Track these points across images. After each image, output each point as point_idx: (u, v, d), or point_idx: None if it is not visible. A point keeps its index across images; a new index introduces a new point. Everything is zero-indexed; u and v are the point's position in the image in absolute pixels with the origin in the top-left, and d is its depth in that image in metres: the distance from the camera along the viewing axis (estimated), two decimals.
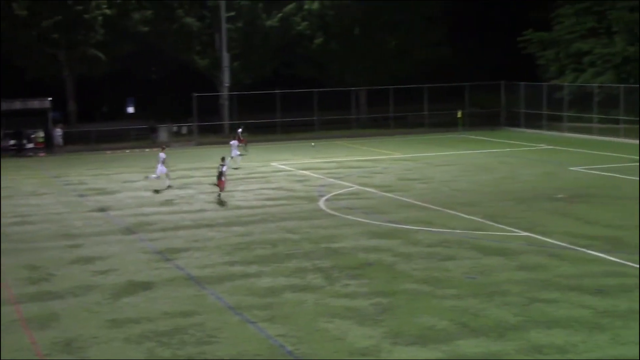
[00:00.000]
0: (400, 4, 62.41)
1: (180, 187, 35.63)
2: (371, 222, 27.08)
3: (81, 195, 34.57)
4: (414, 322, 16.63)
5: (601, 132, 54.02)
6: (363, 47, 63.12)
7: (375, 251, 22.89)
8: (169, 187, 35.28)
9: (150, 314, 17.57)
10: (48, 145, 53.07)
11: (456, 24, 66.73)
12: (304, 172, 40.24)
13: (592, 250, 22.43)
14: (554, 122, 58.55)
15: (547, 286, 18.94)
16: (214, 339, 15.94)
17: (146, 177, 36.96)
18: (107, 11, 57.12)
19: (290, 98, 59.37)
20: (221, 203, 31.61)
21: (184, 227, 27.03)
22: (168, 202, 32.21)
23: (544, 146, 49.65)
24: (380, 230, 25.70)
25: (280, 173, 40.23)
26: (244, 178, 38.20)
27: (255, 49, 61.77)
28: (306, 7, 62.53)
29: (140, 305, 18.25)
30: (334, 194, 33.32)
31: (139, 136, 57.40)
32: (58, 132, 53.68)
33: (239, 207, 30.70)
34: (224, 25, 58.22)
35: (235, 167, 41.12)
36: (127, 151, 52.93)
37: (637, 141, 49.07)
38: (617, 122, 53.91)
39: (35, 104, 53.95)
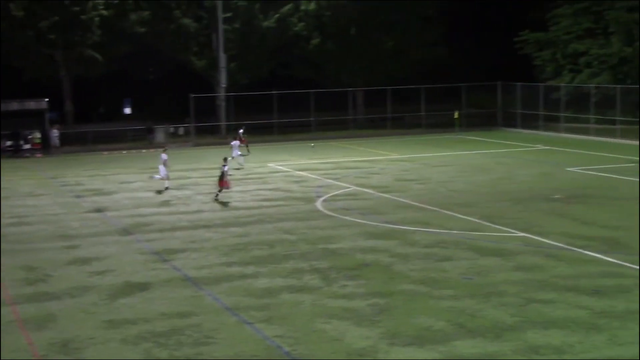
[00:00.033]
0: (397, 4, 62.45)
1: (177, 188, 35.60)
2: (368, 222, 27.10)
3: (78, 196, 34.55)
4: (411, 322, 16.64)
5: (598, 132, 54.08)
6: (359, 48, 63.17)
7: (372, 252, 22.90)
8: (167, 188, 35.23)
9: (147, 314, 17.56)
10: (45, 146, 52.96)
11: (452, 24, 66.78)
12: (301, 172, 40.25)
13: (589, 250, 22.46)
14: (550, 122, 58.62)
15: (544, 287, 18.96)
16: (211, 339, 15.94)
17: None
18: (104, 12, 57.07)
19: (287, 99, 59.36)
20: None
21: (181, 228, 27.02)
22: (165, 203, 32.20)
23: (540, 147, 49.70)
24: (377, 231, 25.71)
25: (277, 174, 40.23)
26: (241, 179, 38.17)
27: (252, 50, 61.76)
28: (303, 7, 62.55)
29: (137, 306, 18.24)
30: (331, 194, 33.32)
31: (136, 137, 57.35)
32: (55, 132, 53.59)
33: (236, 208, 30.70)
34: (221, 26, 58.20)
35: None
36: (124, 152, 52.90)
37: (634, 142, 49.16)
38: (613, 122, 53.96)
39: (32, 104, 53.87)
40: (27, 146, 52.60)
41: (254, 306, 17.96)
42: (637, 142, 48.24)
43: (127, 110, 66.74)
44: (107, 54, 57.95)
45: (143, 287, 19.81)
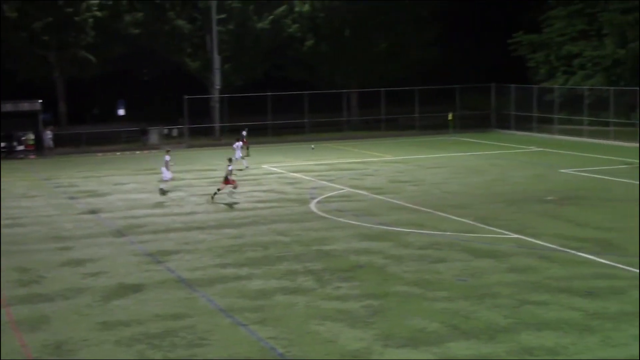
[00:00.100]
0: (390, 6, 62.50)
1: (171, 190, 35.55)
2: (362, 224, 27.11)
3: (72, 198, 34.49)
4: (405, 324, 16.65)
5: (591, 134, 54.19)
6: (353, 49, 63.18)
7: (366, 253, 22.91)
8: (161, 189, 35.14)
9: (141, 316, 17.54)
10: (38, 148, 52.88)
11: (446, 26, 66.86)
12: (295, 174, 40.25)
13: (582, 252, 22.50)
14: (544, 124, 58.76)
15: (537, 288, 19.00)
16: (205, 341, 15.93)
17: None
18: (98, 13, 57.01)
19: (281, 100, 59.40)
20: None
21: (174, 230, 26.99)
22: (159, 205, 32.17)
23: (534, 148, 49.79)
24: (371, 233, 25.73)
25: (271, 175, 40.21)
26: (235, 180, 38.07)
27: (246, 51, 61.74)
28: (297, 9, 62.56)
29: (131, 308, 18.22)
30: (325, 196, 33.33)
31: (130, 138, 57.27)
32: (48, 134, 53.46)
33: (230, 210, 30.70)
34: (215, 27, 58.16)
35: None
36: (118, 153, 52.82)
37: (627, 143, 49.32)
38: (607, 124, 54.09)
39: (25, 106, 53.78)
40: (21, 147, 52.51)
41: (248, 308, 17.96)
42: (631, 144, 48.40)
43: (121, 112, 66.55)
44: (101, 55, 57.90)
45: (137, 288, 19.79)
